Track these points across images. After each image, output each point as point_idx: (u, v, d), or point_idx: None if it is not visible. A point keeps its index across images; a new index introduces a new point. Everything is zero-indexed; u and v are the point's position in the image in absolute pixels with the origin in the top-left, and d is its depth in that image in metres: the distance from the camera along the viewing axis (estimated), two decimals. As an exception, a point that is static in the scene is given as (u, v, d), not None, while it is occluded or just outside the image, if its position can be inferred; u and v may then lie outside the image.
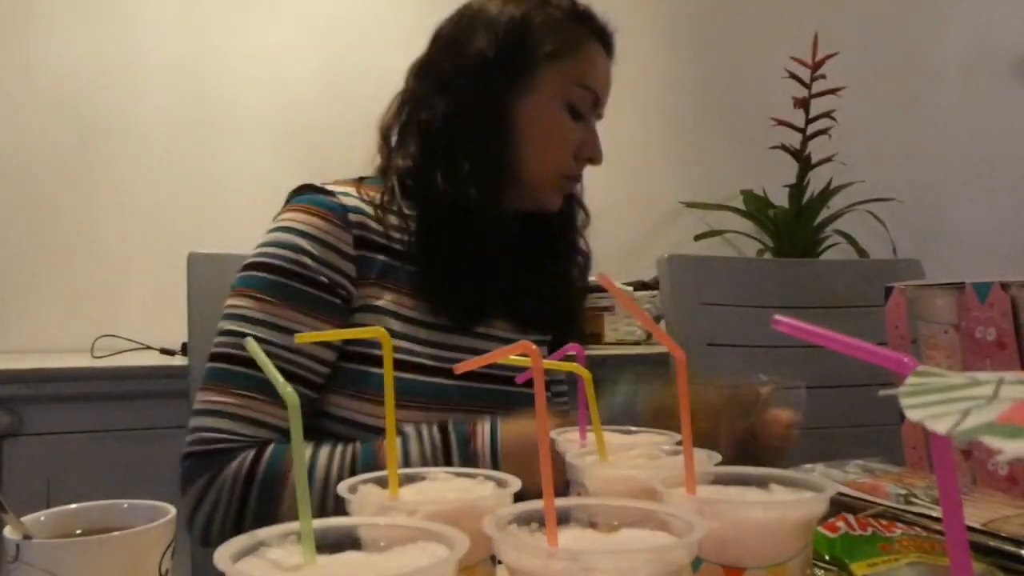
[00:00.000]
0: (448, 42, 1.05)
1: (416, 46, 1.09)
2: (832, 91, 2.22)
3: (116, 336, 1.99)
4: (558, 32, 1.03)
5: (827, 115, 2.25)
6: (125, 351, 1.95)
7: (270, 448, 0.88)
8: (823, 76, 2.24)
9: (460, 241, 0.99)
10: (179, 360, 1.81)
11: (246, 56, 2.30)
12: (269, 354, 0.90)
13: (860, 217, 2.39)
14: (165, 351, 1.93)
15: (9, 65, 2.13)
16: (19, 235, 2.12)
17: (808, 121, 2.27)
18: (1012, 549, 0.60)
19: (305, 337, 0.64)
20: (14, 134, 2.12)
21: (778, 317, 0.40)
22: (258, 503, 0.86)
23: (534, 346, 0.49)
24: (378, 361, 0.94)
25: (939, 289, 0.91)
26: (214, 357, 0.92)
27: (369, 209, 1.00)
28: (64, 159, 2.16)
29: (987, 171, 2.81)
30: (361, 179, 1.05)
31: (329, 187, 1.00)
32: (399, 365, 0.94)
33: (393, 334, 0.93)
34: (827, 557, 0.61)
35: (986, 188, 2.80)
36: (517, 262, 1.07)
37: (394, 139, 1.06)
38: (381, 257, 0.99)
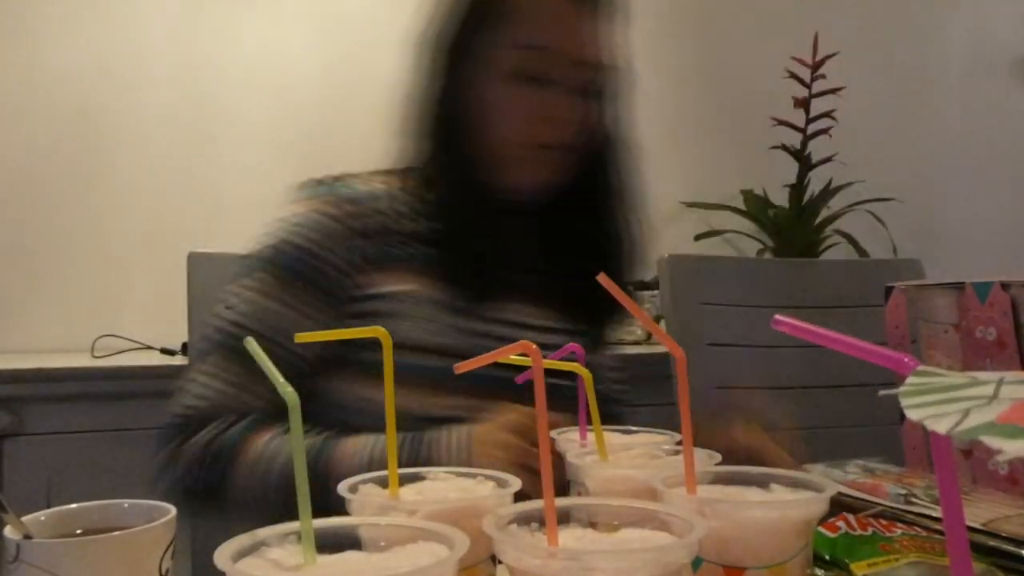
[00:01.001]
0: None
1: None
2: (832, 91, 2.22)
3: (116, 336, 1.99)
4: None
5: (827, 115, 2.25)
6: (125, 351, 1.95)
7: (241, 422, 0.89)
8: (823, 76, 2.24)
9: (470, 224, 0.99)
10: (180, 360, 1.81)
11: (246, 56, 2.30)
12: (258, 330, 0.91)
13: (860, 217, 2.39)
14: (166, 351, 1.93)
15: (9, 65, 2.13)
16: (19, 235, 2.12)
17: (808, 121, 2.27)
18: (1012, 549, 0.60)
19: (305, 337, 0.64)
20: (15, 135, 2.12)
21: (778, 317, 0.40)
22: (198, 470, 0.88)
23: (534, 345, 0.49)
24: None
25: (939, 289, 0.91)
26: (215, 332, 0.93)
27: (384, 197, 1.00)
28: (64, 159, 2.16)
29: (987, 171, 2.80)
30: (390, 169, 1.04)
31: (339, 176, 1.01)
32: (411, 348, 0.93)
33: (408, 317, 0.94)
34: (827, 557, 0.61)
35: (986, 188, 2.79)
36: (551, 251, 1.05)
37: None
38: (389, 242, 0.97)
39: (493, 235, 1.00)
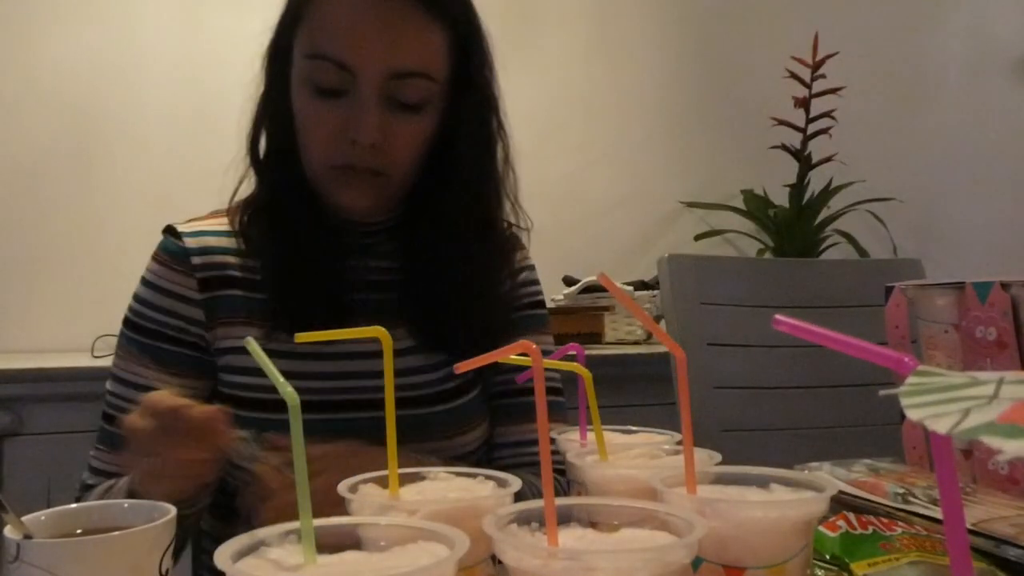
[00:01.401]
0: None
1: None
2: (832, 91, 2.22)
3: (116, 336, 1.99)
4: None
5: (827, 115, 2.24)
6: (125, 351, 1.95)
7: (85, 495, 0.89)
8: (823, 76, 2.24)
9: (289, 252, 0.91)
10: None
11: (246, 56, 2.29)
12: (119, 409, 0.89)
13: (860, 217, 2.39)
14: (165, 351, 1.93)
15: (9, 65, 2.13)
16: (19, 235, 2.12)
17: (808, 121, 2.26)
18: (991, 548, 0.60)
19: (304, 337, 0.64)
20: (14, 134, 2.12)
21: (778, 317, 0.40)
22: None
23: (534, 346, 0.49)
24: (246, 403, 0.87)
25: (939, 289, 0.91)
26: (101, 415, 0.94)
27: (226, 243, 0.94)
28: (64, 159, 2.16)
29: (987, 171, 2.80)
30: (229, 208, 0.98)
31: (184, 227, 0.95)
32: (268, 405, 0.87)
33: (251, 373, 0.88)
34: (828, 556, 0.61)
35: (986, 188, 2.79)
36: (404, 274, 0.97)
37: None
38: (232, 292, 0.92)
39: (325, 261, 0.92)
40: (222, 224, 0.96)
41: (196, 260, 0.93)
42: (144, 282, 0.95)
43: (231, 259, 0.94)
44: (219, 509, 0.94)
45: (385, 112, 0.86)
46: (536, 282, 1.07)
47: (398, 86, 0.85)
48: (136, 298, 0.95)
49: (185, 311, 0.92)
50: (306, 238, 0.92)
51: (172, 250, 0.94)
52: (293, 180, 0.92)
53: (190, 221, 0.97)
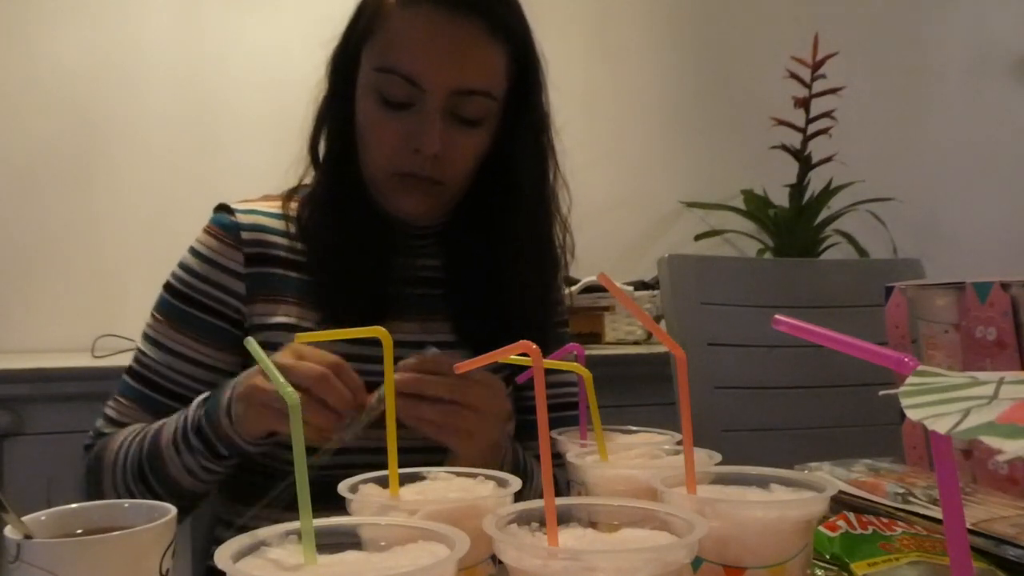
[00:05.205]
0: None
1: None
2: (832, 91, 2.22)
3: (116, 336, 1.99)
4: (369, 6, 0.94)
5: (827, 115, 2.24)
6: (125, 351, 1.95)
7: (101, 440, 0.95)
8: (823, 76, 2.24)
9: (342, 248, 0.96)
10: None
11: (246, 56, 2.30)
12: (153, 371, 0.94)
13: (860, 217, 2.39)
14: (165, 351, 1.93)
15: (9, 65, 2.13)
16: (19, 235, 2.12)
17: (808, 121, 2.26)
18: (992, 548, 0.60)
19: (305, 337, 0.64)
20: (14, 134, 2.12)
21: (778, 317, 0.40)
22: (87, 483, 0.94)
23: (534, 345, 0.49)
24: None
25: (939, 289, 0.91)
26: (127, 371, 0.99)
27: (276, 224, 0.99)
28: (64, 159, 2.15)
29: (987, 171, 2.80)
30: (282, 194, 1.03)
31: (237, 204, 1.00)
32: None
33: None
34: (828, 556, 0.61)
35: (986, 188, 2.79)
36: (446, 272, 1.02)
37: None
38: (276, 271, 0.96)
39: (374, 256, 0.97)
40: (273, 207, 1.01)
41: (246, 235, 0.97)
42: (192, 251, 0.99)
43: (279, 239, 0.98)
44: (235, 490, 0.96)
45: (447, 125, 0.90)
46: (563, 303, 1.15)
47: (460, 102, 0.90)
48: (181, 265, 0.98)
49: (228, 283, 0.96)
50: (358, 232, 0.96)
51: (224, 223, 0.98)
52: (351, 178, 0.98)
53: (242, 201, 1.02)
